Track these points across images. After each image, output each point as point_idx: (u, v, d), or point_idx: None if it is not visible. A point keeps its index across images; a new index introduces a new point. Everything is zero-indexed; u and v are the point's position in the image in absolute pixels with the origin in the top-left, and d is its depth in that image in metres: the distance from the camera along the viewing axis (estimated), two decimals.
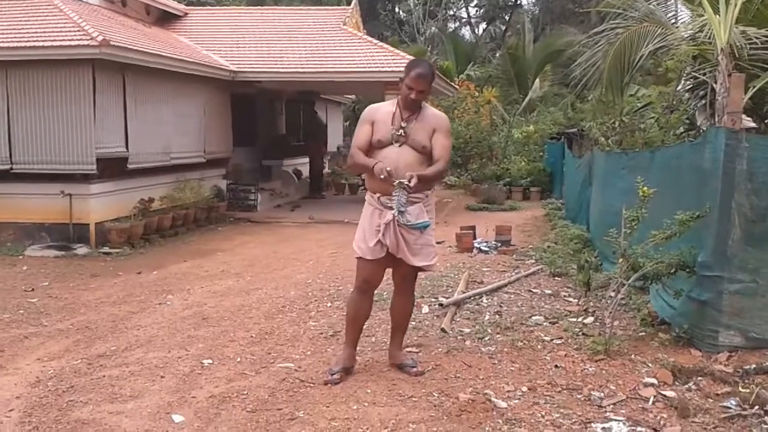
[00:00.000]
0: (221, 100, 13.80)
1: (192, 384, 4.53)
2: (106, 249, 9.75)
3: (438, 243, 10.14)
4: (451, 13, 40.09)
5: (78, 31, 9.86)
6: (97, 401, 4.26)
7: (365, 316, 4.76)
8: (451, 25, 39.70)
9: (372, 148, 4.47)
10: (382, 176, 4.22)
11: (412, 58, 14.23)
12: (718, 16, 6.92)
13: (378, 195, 4.46)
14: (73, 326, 5.96)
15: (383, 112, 4.55)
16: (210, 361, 4.99)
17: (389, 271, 4.72)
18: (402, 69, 11.95)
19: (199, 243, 10.81)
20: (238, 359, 5.03)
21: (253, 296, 7.01)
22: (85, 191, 9.97)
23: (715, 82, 7.33)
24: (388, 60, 13.39)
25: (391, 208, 4.34)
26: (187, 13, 16.74)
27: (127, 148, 10.55)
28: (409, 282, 4.73)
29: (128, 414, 4.06)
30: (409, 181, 4.19)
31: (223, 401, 4.23)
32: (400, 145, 4.43)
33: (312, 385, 4.47)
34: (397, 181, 4.21)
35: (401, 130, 4.44)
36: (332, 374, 4.52)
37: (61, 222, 9.96)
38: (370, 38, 15.88)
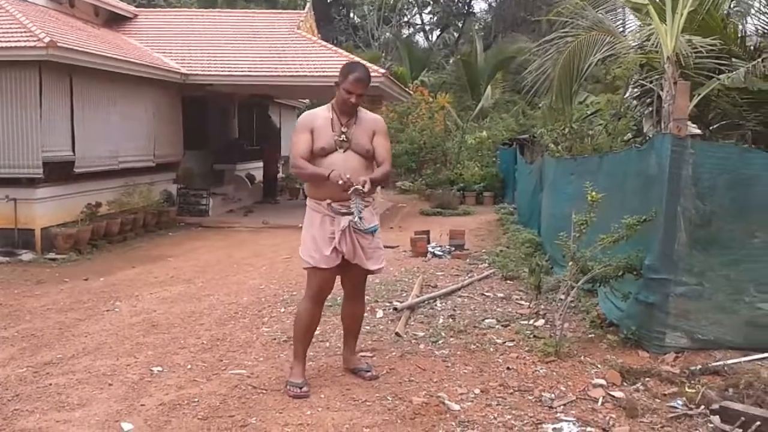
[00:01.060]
0: (172, 103, 13.60)
1: (141, 392, 4.44)
2: (52, 255, 9.51)
3: (392, 247, 10.27)
4: (406, 19, 40.31)
5: (24, 32, 9.63)
6: (43, 410, 4.14)
7: (317, 325, 4.70)
8: (406, 31, 39.90)
9: (314, 156, 4.38)
10: (340, 182, 4.15)
11: (366, 63, 14.32)
12: (665, 25, 7.09)
13: (328, 201, 4.39)
14: (18, 334, 5.79)
15: (321, 118, 4.47)
16: (160, 368, 4.90)
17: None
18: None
19: (149, 248, 10.62)
20: (189, 366, 4.95)
21: (204, 302, 6.92)
22: (31, 196, 9.73)
23: (662, 90, 7.51)
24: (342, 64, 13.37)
25: (344, 214, 4.32)
26: (137, 15, 16.48)
27: (74, 151, 10.33)
28: (361, 287, 4.72)
29: (76, 423, 3.95)
30: (363, 187, 4.18)
31: (173, 409, 4.15)
32: (344, 151, 4.39)
33: (265, 391, 4.42)
34: (352, 188, 4.18)
35: (343, 136, 4.41)
36: (300, 388, 4.33)
37: (5, 227, 9.69)
38: (324, 42, 15.85)
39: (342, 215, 4.34)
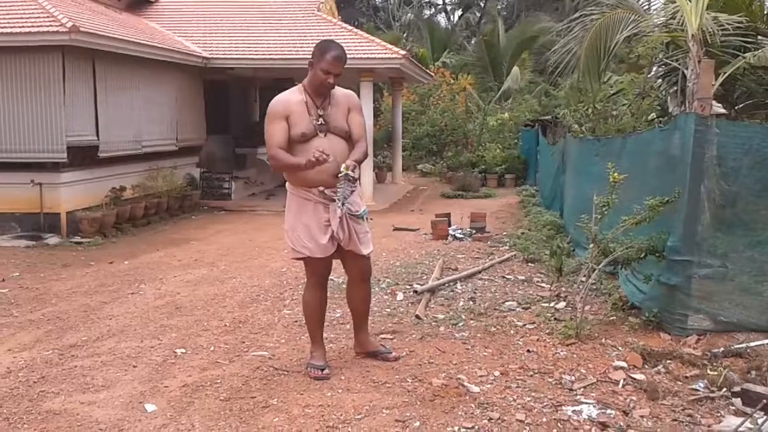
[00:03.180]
0: (194, 87, 13.66)
1: (165, 373, 4.50)
2: (77, 238, 9.64)
3: (413, 230, 10.27)
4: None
5: (47, 17, 9.71)
6: (68, 391, 4.22)
7: (326, 307, 4.65)
8: (427, 12, 39.62)
9: (293, 143, 4.21)
10: (315, 158, 3.99)
11: (387, 44, 14.27)
12: (689, 2, 6.97)
13: (321, 188, 4.21)
14: (45, 317, 5.89)
15: (295, 102, 4.26)
16: (183, 350, 4.96)
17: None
18: (378, 56, 11.87)
19: (172, 232, 10.72)
20: (212, 348, 5.00)
21: (227, 285, 6.98)
22: (56, 180, 9.85)
23: (687, 69, 7.40)
24: (364, 47, 13.34)
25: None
26: None
27: (97, 136, 10.42)
28: (367, 272, 4.60)
29: (100, 404, 4.02)
30: (353, 171, 4.06)
31: (196, 390, 4.21)
32: (324, 135, 4.22)
33: (286, 372, 4.46)
34: (342, 173, 4.04)
35: (321, 119, 4.24)
36: (322, 370, 4.35)
37: (31, 212, 9.84)
38: (345, 24, 15.81)
39: (335, 201, 4.19)
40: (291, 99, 4.31)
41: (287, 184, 4.44)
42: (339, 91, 4.40)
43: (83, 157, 10.22)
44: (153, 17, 15.23)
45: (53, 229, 9.80)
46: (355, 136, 4.35)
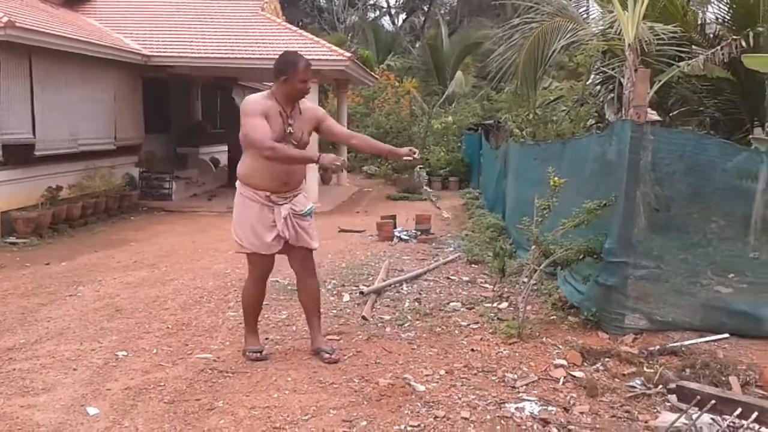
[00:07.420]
0: (132, 85, 13.35)
1: (106, 376, 4.42)
2: (12, 239, 9.34)
3: (359, 232, 10.29)
4: (372, 2, 40.08)
5: None
6: (7, 395, 4.10)
7: (264, 298, 4.87)
8: (371, 14, 39.68)
9: None
10: (335, 164, 4.31)
11: (332, 46, 14.27)
12: (626, 12, 7.20)
13: (268, 193, 4.39)
14: None
15: (268, 106, 4.35)
16: (125, 353, 4.88)
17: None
18: (324, 58, 11.93)
19: (111, 233, 10.49)
20: (154, 351, 4.93)
21: (168, 287, 6.87)
22: None
23: (623, 77, 7.63)
24: (308, 47, 13.28)
25: (282, 205, 4.41)
26: None
27: (33, 134, 10.12)
28: (310, 263, 4.73)
29: (41, 407, 3.93)
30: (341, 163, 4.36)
31: (139, 393, 4.15)
32: (288, 145, 4.36)
33: (231, 375, 4.43)
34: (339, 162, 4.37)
35: (290, 128, 4.38)
36: (260, 352, 4.67)
37: None
38: (288, 25, 15.73)
39: (280, 206, 4.41)
40: (265, 103, 4.40)
41: (238, 181, 4.54)
42: (304, 104, 4.56)
43: (19, 155, 9.90)
44: (91, 13, 14.86)
45: None
46: (344, 134, 4.92)
